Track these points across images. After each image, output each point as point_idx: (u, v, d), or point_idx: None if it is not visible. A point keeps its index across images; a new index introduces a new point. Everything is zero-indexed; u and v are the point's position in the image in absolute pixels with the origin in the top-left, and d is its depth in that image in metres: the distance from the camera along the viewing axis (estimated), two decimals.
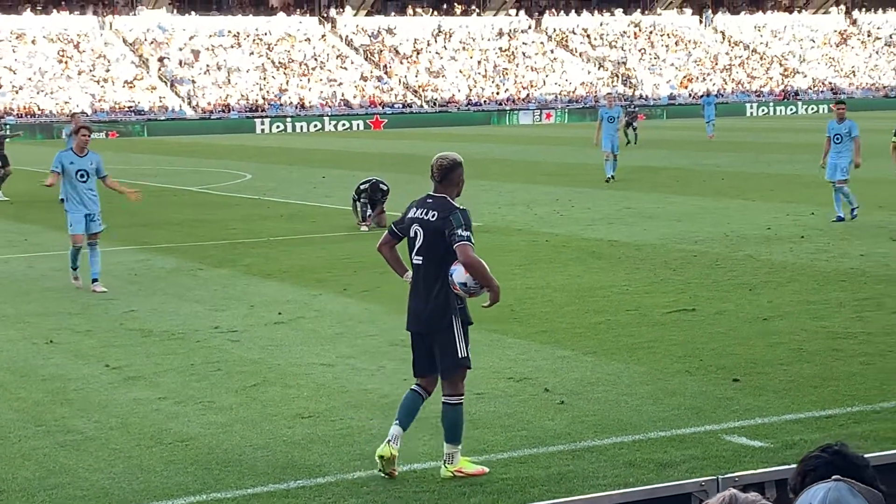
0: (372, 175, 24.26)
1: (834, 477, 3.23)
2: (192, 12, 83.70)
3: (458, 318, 8.15)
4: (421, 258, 8.17)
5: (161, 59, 77.16)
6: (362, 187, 22.60)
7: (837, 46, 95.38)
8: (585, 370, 10.91)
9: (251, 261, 18.58)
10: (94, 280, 15.78)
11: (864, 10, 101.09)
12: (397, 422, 8.21)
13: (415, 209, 8.22)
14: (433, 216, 8.08)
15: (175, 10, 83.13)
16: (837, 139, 21.59)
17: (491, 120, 75.51)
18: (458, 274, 7.97)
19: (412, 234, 8.19)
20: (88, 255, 15.88)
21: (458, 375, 8.16)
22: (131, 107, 71.72)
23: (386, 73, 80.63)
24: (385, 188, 22.68)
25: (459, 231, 7.95)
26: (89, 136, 16.24)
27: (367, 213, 22.41)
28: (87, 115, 67.75)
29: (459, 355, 8.11)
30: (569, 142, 51.94)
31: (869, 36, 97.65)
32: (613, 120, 31.56)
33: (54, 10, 78.99)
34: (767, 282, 15.25)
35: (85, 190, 15.82)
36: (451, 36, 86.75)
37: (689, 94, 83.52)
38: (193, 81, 75.62)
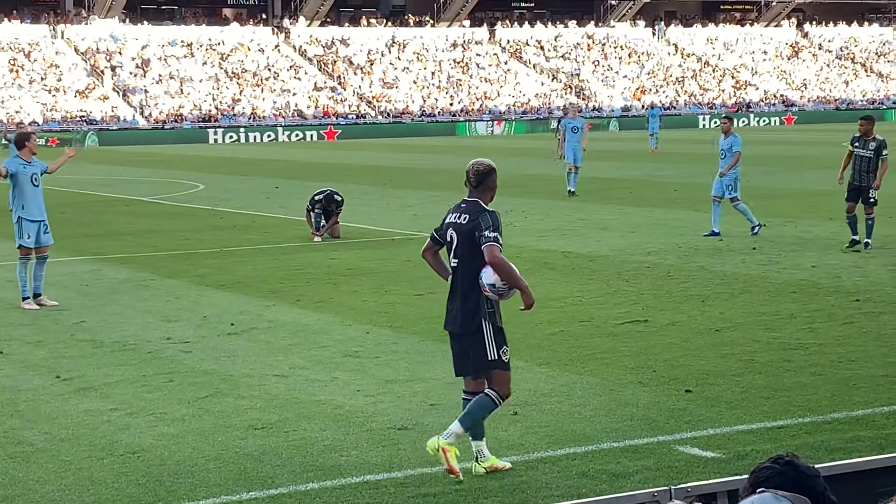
0: (326, 186, 24.24)
1: (759, 490, 3.25)
2: (145, 21, 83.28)
3: (489, 320, 8.34)
4: (457, 261, 8.38)
5: (113, 69, 76.68)
6: (317, 198, 22.56)
7: (789, 59, 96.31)
8: (539, 381, 10.93)
9: (204, 271, 18.49)
10: (38, 295, 15.55)
11: (814, 23, 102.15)
12: (470, 436, 8.32)
13: (451, 214, 8.46)
14: (465, 219, 8.31)
15: (127, 20, 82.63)
16: (722, 154, 21.78)
17: (452, 130, 75.52)
18: (487, 275, 8.20)
19: (448, 239, 8.42)
20: (34, 268, 15.64)
21: (496, 376, 8.33)
22: (83, 116, 71.21)
23: (339, 83, 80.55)
24: (339, 199, 22.65)
25: (487, 232, 8.17)
26: (35, 143, 16.09)
27: (322, 224, 22.37)
28: (38, 125, 67.27)
29: (489, 357, 8.30)
30: (523, 152, 52.07)
31: (820, 48, 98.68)
32: (577, 130, 30.84)
33: (5, 19, 78.34)
34: (720, 293, 15.34)
35: (38, 196, 15.60)
36: (404, 47, 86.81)
37: (643, 106, 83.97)
38: (146, 91, 75.21)
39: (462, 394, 8.63)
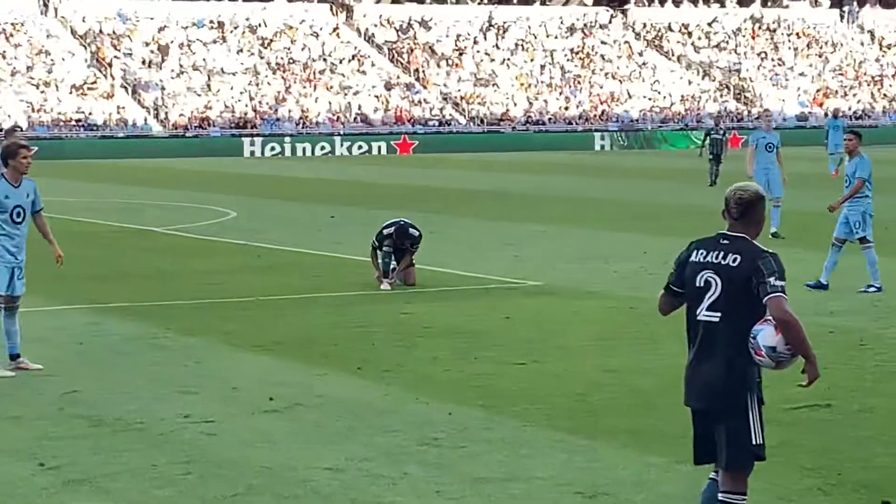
0: (398, 216, 24.29)
1: None
2: None
3: (755, 395, 8.52)
4: (717, 314, 8.44)
5: (121, 57, 77.88)
6: (385, 232, 22.63)
7: None
8: (680, 484, 10.83)
9: (234, 327, 18.59)
10: (16, 356, 15.65)
11: None
12: None
13: (703, 252, 8.58)
14: (735, 261, 8.40)
15: None
16: (847, 181, 22.01)
17: (568, 143, 75.55)
18: (766, 336, 8.27)
19: (700, 284, 8.52)
20: (4, 323, 15.72)
21: (745, 470, 8.47)
22: (80, 120, 72.34)
23: (418, 79, 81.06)
24: (416, 234, 22.72)
25: (772, 280, 8.27)
26: (30, 160, 15.90)
27: (392, 267, 22.43)
28: (23, 130, 68.36)
29: (754, 442, 8.47)
30: (666, 175, 51.85)
31: None
32: (773, 148, 29.83)
33: None
34: None
35: (17, 233, 15.58)
36: (505, 32, 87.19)
37: (825, 114, 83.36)
38: (163, 88, 76.25)
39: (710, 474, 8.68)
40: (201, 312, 20.09)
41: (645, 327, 18.30)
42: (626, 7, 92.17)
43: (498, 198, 42.13)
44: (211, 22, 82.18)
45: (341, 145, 73.85)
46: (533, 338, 17.41)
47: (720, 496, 8.42)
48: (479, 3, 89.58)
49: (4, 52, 76.64)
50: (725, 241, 8.52)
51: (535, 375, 14.83)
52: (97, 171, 58.32)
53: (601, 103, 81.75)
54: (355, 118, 76.74)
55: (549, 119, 79.60)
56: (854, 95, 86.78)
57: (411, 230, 22.72)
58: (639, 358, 16.06)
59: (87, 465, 11.62)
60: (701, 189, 44.49)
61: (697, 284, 8.51)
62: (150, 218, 35.49)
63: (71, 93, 74.12)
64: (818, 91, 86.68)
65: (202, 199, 41.48)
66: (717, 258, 8.46)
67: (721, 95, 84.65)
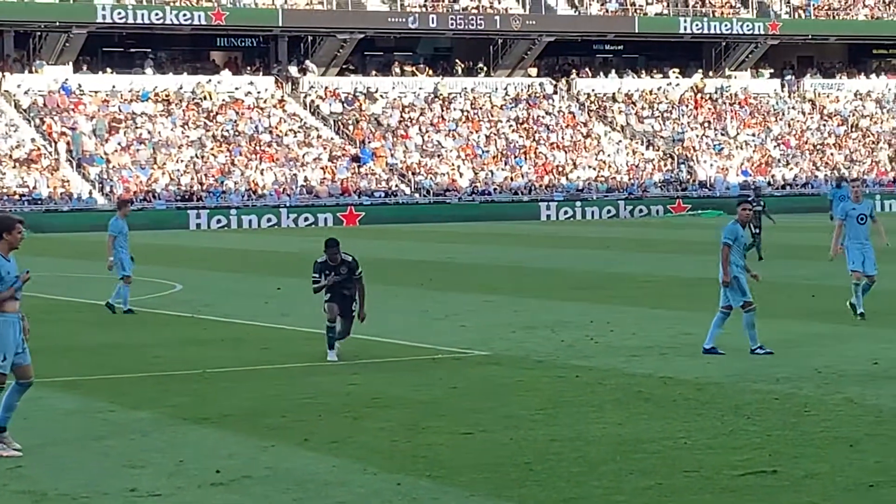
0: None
1: None
2: (108, 69, 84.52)
3: None
4: None
5: (65, 132, 77.72)
6: (318, 261, 22.63)
7: None
8: None
9: (180, 400, 18.52)
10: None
11: None
12: None
13: None
14: None
15: (85, 67, 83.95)
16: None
17: (513, 213, 75.82)
18: None
19: None
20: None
21: None
22: (24, 193, 72.09)
23: (364, 150, 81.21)
24: (349, 257, 22.61)
25: None
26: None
27: (336, 332, 22.36)
28: None
29: None
30: (613, 244, 52.07)
31: None
32: (865, 220, 26.16)
33: None
34: (875, 435, 15.20)
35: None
36: (450, 102, 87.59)
37: (769, 183, 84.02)
38: (108, 161, 76.14)
39: None
40: (147, 386, 20.00)
41: (591, 395, 18.36)
42: (569, 77, 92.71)
43: (444, 268, 42.19)
44: (156, 95, 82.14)
45: (287, 217, 73.77)
46: (480, 407, 17.41)
47: None
48: (425, 75, 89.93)
49: None
50: None
51: (483, 445, 14.84)
52: (42, 244, 58.00)
53: (546, 173, 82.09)
54: (301, 190, 76.74)
55: (495, 189, 79.84)
56: (797, 164, 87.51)
57: (343, 254, 22.56)
58: (584, 426, 16.10)
59: None
60: (644, 257, 44.73)
61: None
62: (92, 291, 35.33)
63: (15, 167, 73.84)
64: (761, 160, 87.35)
65: (147, 273, 41.27)
66: None
67: (665, 165, 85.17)
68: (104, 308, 30.12)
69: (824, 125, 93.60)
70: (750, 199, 25.73)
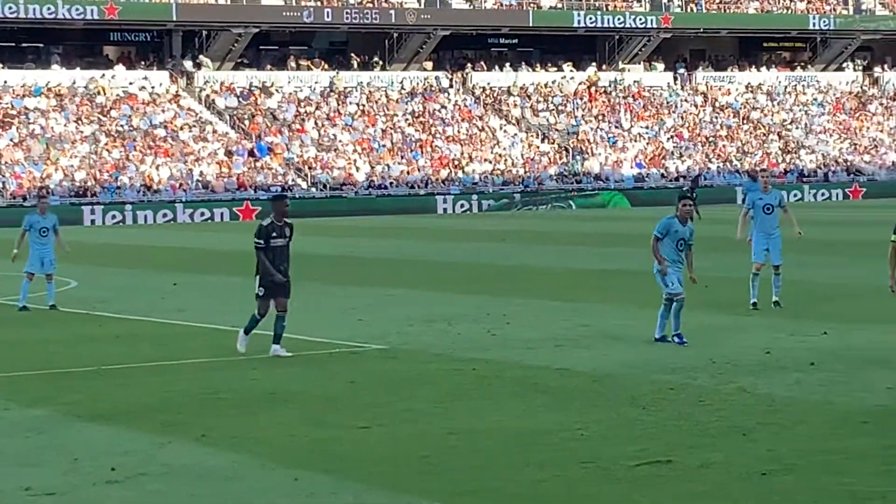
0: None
1: None
2: (0, 64, 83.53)
3: None
4: None
5: None
6: (263, 224, 22.28)
7: (854, 113, 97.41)
8: None
9: (76, 398, 18.36)
10: None
11: (886, 65, 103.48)
12: None
13: None
14: None
15: None
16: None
17: (410, 206, 75.84)
18: None
19: None
20: None
21: None
22: None
23: (260, 145, 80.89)
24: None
25: None
26: None
27: (258, 315, 21.97)
28: None
29: None
30: (504, 237, 52.22)
31: (895, 100, 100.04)
32: (771, 210, 26.35)
33: None
34: (766, 423, 15.36)
35: None
36: (346, 96, 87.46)
37: (662, 175, 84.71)
38: (0, 156, 75.29)
39: None
40: (42, 383, 19.81)
41: (488, 388, 18.41)
42: (465, 71, 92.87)
43: (341, 262, 42.13)
44: (50, 90, 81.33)
45: (183, 212, 73.37)
46: (377, 401, 17.41)
47: None
48: (320, 69, 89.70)
49: None
50: None
51: (381, 439, 14.84)
52: None
53: (443, 167, 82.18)
54: (197, 185, 76.31)
55: (392, 183, 79.86)
56: (690, 157, 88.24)
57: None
58: (481, 419, 16.14)
59: None
60: (540, 249, 44.92)
61: None
62: None
63: None
64: (654, 152, 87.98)
65: None
66: None
67: (560, 157, 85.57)
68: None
69: (716, 117, 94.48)
70: (687, 193, 25.60)
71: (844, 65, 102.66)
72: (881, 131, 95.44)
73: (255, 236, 21.93)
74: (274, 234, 21.74)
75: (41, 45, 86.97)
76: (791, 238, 28.10)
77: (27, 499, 12.78)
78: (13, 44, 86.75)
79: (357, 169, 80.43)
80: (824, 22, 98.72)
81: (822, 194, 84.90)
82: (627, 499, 12.16)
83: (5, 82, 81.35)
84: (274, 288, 21.62)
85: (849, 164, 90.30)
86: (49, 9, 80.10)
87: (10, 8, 79.41)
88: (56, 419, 16.90)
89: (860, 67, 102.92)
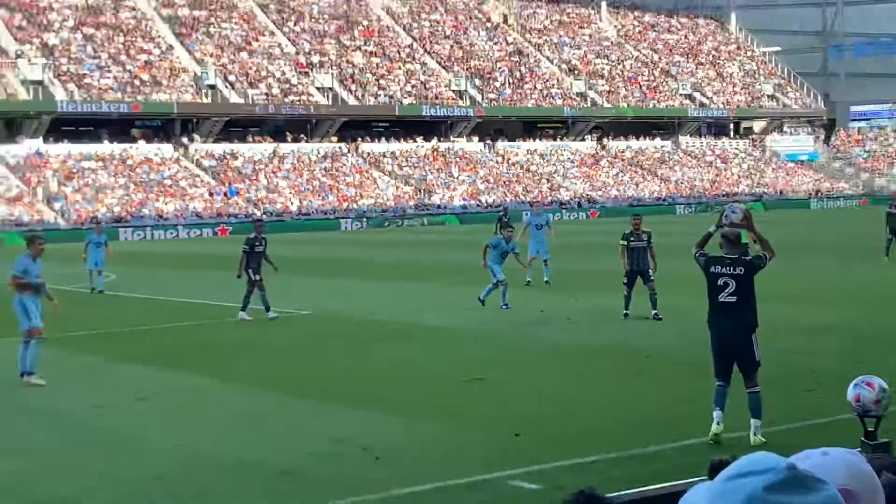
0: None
1: None
2: (66, 140, 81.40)
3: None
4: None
5: (39, 181, 74.64)
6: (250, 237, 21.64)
7: (592, 166, 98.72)
8: (396, 431, 10.88)
9: (120, 347, 17.91)
10: (30, 373, 14.41)
11: (611, 137, 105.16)
12: None
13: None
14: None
15: (51, 139, 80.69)
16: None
17: (325, 227, 75.23)
18: None
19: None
20: None
21: None
22: (13, 220, 69.02)
23: (230, 189, 79.72)
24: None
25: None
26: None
27: (251, 291, 21.03)
28: None
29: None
30: (377, 244, 52.18)
31: (616, 158, 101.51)
32: (541, 227, 26.43)
33: None
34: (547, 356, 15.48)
35: None
36: (284, 159, 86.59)
37: (477, 205, 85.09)
38: (66, 197, 73.34)
39: None
40: (97, 339, 19.28)
41: (372, 328, 18.20)
42: (357, 143, 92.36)
43: (282, 262, 41.75)
44: (97, 156, 79.30)
45: (184, 231, 71.89)
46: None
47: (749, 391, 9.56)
48: (268, 142, 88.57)
49: None
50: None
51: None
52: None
53: (345, 201, 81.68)
54: (192, 214, 74.88)
55: (313, 211, 79.12)
56: (494, 194, 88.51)
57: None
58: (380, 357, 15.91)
59: None
60: (396, 250, 44.86)
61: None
62: (59, 280, 34.05)
63: (6, 203, 70.63)
64: (472, 191, 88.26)
65: None
66: None
67: (416, 196, 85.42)
68: (68, 291, 28.98)
69: (510, 170, 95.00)
70: (507, 222, 25.83)
71: (585, 137, 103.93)
72: (608, 178, 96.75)
73: (243, 244, 22.10)
74: (256, 244, 21.92)
75: (92, 128, 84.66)
76: (551, 242, 27.99)
77: (89, 409, 12.49)
78: (74, 127, 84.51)
79: (291, 203, 79.67)
80: (572, 111, 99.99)
81: (574, 216, 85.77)
82: (460, 403, 12.07)
83: (69, 152, 79.19)
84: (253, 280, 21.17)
85: (589, 197, 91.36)
86: (98, 105, 78.27)
87: (73, 105, 77.48)
88: (105, 363, 16.52)
89: (594, 139, 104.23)
